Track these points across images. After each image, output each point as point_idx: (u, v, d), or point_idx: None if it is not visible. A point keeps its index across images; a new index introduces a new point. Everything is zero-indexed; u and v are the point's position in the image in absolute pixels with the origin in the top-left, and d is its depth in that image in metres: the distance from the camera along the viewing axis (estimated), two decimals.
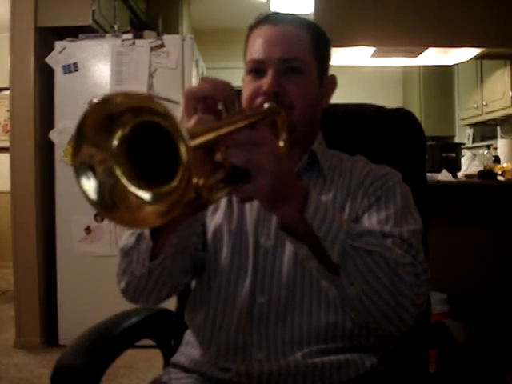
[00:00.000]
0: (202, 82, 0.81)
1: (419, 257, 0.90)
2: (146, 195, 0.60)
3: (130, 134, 0.60)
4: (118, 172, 0.61)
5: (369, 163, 1.08)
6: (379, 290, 0.83)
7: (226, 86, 0.80)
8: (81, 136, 0.60)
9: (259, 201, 0.80)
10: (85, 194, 0.60)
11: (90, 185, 0.61)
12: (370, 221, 0.95)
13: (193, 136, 0.60)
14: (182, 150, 0.55)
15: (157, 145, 0.60)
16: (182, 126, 0.55)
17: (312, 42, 1.03)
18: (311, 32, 1.04)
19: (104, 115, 0.59)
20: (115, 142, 0.60)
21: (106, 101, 0.58)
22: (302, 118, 1.01)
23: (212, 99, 0.79)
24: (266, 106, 0.96)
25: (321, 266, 0.83)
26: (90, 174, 0.61)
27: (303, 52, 1.01)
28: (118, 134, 0.60)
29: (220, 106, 0.80)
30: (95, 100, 0.58)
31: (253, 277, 0.99)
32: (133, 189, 0.61)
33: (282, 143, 0.94)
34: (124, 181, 0.61)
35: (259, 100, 0.99)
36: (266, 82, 0.98)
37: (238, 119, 0.76)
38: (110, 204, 0.61)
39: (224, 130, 0.70)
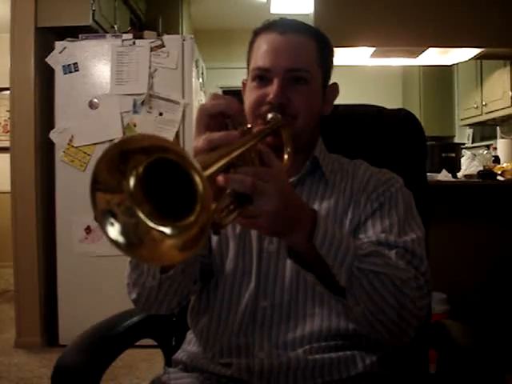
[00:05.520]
0: (216, 98, 0.82)
1: (422, 267, 0.92)
2: (168, 230, 0.61)
3: (144, 172, 0.61)
4: (138, 211, 0.62)
5: (370, 167, 1.09)
6: (384, 308, 0.85)
7: (238, 104, 0.82)
8: (96, 184, 0.60)
9: (263, 232, 0.82)
10: (112, 241, 0.61)
11: (115, 230, 0.61)
12: (374, 229, 0.96)
13: (205, 166, 0.60)
14: (198, 181, 0.56)
15: (172, 180, 0.61)
16: (193, 159, 0.56)
17: (318, 51, 1.04)
18: (317, 41, 1.04)
19: (115, 159, 0.59)
20: (131, 183, 0.61)
21: (116, 145, 0.58)
22: (305, 127, 1.02)
23: (223, 116, 0.80)
24: (269, 115, 0.97)
25: (327, 290, 0.85)
26: (112, 219, 0.61)
27: (309, 62, 1.02)
28: (132, 174, 0.61)
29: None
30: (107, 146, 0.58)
31: (257, 281, 1.00)
32: (155, 225, 0.61)
33: (286, 156, 0.96)
34: (145, 218, 0.62)
35: (263, 109, 1.00)
36: (271, 91, 0.99)
37: (245, 140, 0.76)
38: (136, 242, 0.61)
39: (234, 154, 0.70)
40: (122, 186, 0.61)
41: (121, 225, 0.61)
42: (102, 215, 0.61)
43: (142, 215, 0.62)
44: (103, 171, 0.59)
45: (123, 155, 0.59)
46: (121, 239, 0.61)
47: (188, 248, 0.59)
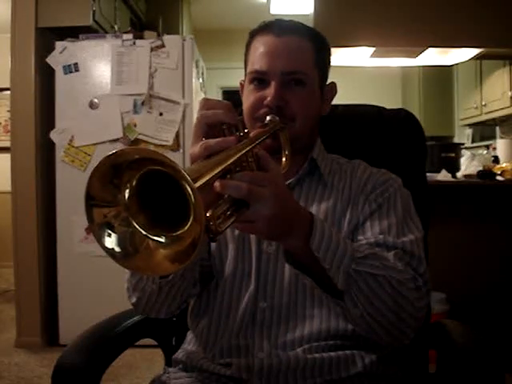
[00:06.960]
0: (208, 104, 0.82)
1: (420, 268, 0.92)
2: (162, 239, 0.62)
3: (138, 184, 0.61)
4: (134, 221, 0.62)
5: (368, 167, 1.09)
6: (383, 310, 0.85)
7: (235, 112, 0.82)
8: (90, 199, 0.61)
9: (261, 237, 0.82)
10: (108, 251, 0.62)
11: (111, 241, 0.62)
12: (373, 230, 0.96)
13: (199, 175, 0.61)
14: (190, 192, 0.56)
15: (166, 191, 0.61)
16: (184, 169, 0.56)
17: (315, 52, 1.03)
18: (314, 42, 1.04)
19: (108, 174, 0.60)
20: (126, 195, 0.62)
21: (107, 160, 0.59)
22: (303, 129, 1.03)
23: (221, 123, 0.80)
24: (268, 118, 0.97)
25: (325, 293, 0.85)
26: (109, 230, 0.62)
27: (306, 64, 1.02)
28: (126, 187, 0.61)
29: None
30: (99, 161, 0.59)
31: (256, 282, 1.00)
32: (150, 235, 0.62)
33: (284, 158, 0.96)
34: (141, 228, 0.62)
35: (261, 111, 1.00)
36: (268, 94, 0.99)
37: (242, 145, 0.75)
38: (131, 252, 0.62)
39: (230, 160, 0.70)
40: (117, 199, 0.61)
41: (117, 235, 0.62)
42: (99, 228, 0.62)
43: (137, 225, 0.62)
44: (96, 186, 0.60)
45: (115, 169, 0.59)
46: (117, 249, 0.62)
47: (181, 259, 0.59)
